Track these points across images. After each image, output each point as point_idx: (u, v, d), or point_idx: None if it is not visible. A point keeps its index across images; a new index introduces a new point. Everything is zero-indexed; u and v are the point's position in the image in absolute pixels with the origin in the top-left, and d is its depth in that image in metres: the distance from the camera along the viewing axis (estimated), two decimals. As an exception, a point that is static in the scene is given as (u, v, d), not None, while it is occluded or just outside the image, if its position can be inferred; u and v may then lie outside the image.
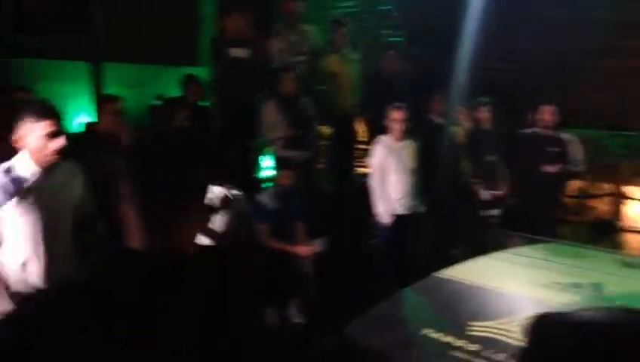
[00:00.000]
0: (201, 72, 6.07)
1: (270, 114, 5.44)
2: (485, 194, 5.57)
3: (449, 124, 5.48)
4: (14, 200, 2.56)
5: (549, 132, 5.64)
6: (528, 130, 5.78)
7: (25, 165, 2.59)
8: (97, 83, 5.79)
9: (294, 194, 4.70)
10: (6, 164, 2.59)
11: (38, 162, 2.59)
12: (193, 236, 4.49)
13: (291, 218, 4.69)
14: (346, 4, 8.48)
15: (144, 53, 6.34)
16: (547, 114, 5.61)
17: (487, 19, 6.65)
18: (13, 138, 2.61)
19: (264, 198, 4.63)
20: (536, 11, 6.89)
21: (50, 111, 2.63)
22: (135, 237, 4.13)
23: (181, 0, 6.91)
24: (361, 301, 2.68)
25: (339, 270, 4.87)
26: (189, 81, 5.54)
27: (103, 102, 4.71)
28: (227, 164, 4.91)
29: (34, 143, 2.58)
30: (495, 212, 5.63)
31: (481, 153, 5.60)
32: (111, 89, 5.82)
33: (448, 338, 2.19)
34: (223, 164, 4.85)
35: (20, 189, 2.55)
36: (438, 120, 5.42)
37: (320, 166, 6.46)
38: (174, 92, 5.68)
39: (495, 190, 5.62)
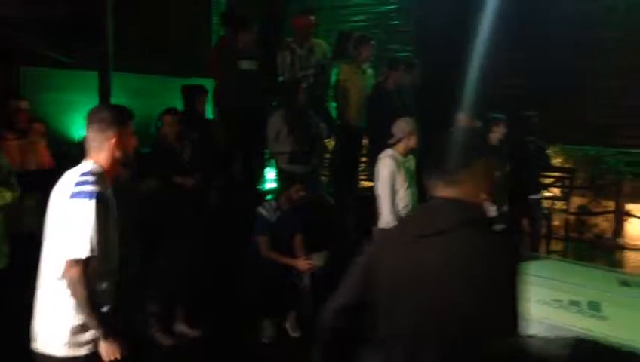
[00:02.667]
0: (208, 83, 6.14)
1: (277, 127, 5.48)
2: (491, 209, 5.60)
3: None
4: None
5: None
6: None
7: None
8: (105, 93, 5.86)
9: (295, 208, 4.75)
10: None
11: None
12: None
13: (291, 231, 4.73)
14: (355, 18, 8.58)
15: (152, 64, 6.42)
16: None
17: (498, 35, 6.76)
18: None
19: (265, 211, 4.68)
20: (546, 29, 6.95)
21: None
22: None
23: (190, 11, 6.98)
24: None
25: (338, 283, 4.89)
26: (195, 92, 5.57)
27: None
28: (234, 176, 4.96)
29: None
30: (499, 228, 5.66)
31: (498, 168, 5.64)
32: (118, 99, 5.89)
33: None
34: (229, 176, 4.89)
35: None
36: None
37: (324, 178, 6.51)
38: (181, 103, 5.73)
39: (500, 206, 5.65)
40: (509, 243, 1.73)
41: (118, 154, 2.46)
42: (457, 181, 1.70)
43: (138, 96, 6.16)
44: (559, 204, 7.20)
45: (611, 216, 7.27)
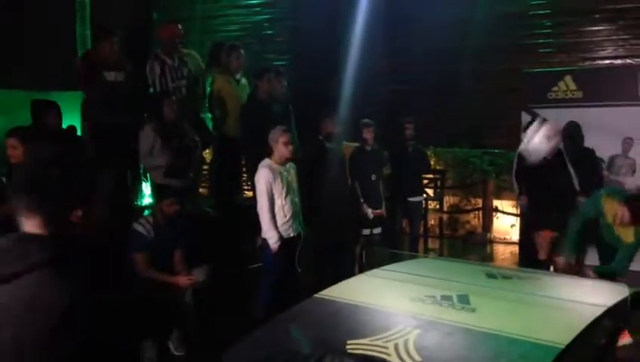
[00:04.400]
0: (80, 97, 5.80)
1: (149, 141, 5.27)
2: (369, 212, 5.75)
3: (337, 144, 5.66)
4: None
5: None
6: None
7: None
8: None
9: (173, 223, 4.59)
10: None
11: None
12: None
13: (170, 247, 4.56)
14: (228, 27, 8.50)
15: (17, 78, 5.96)
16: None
17: (372, 44, 6.99)
18: None
19: (141, 226, 4.47)
20: (420, 36, 7.28)
21: None
22: None
23: (56, 20, 6.57)
24: (243, 328, 2.65)
25: (220, 298, 4.80)
26: (44, 107, 5.19)
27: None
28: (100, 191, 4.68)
29: None
30: (377, 230, 5.83)
31: (365, 173, 5.80)
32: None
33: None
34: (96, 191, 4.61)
35: None
36: (326, 141, 5.57)
37: (203, 190, 6.37)
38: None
39: (377, 209, 5.82)
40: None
41: None
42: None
43: (4, 112, 5.69)
44: (433, 204, 7.55)
45: (480, 212, 7.75)
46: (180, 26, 5.91)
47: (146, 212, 5.28)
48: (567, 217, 4.61)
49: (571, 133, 5.54)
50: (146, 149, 5.26)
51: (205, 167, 6.38)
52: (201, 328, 4.49)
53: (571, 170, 5.22)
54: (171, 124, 5.35)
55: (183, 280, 4.45)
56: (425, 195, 7.02)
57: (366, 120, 5.90)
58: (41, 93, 5.93)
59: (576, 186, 5.21)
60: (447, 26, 7.18)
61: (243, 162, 6.35)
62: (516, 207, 6.92)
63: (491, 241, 7.57)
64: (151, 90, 5.78)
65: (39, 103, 5.23)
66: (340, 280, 3.23)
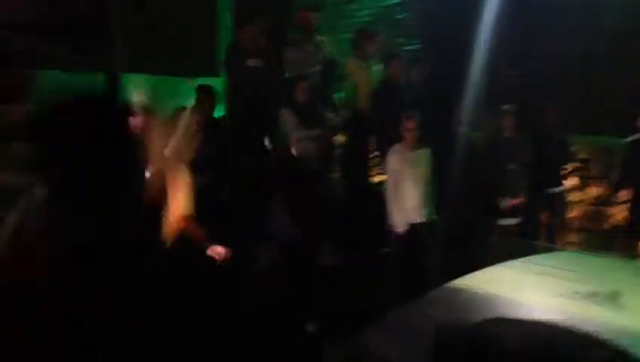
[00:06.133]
0: (220, 83, 6.11)
1: (285, 122, 5.47)
2: (504, 202, 5.55)
3: (470, 131, 5.50)
4: None
5: None
6: None
7: None
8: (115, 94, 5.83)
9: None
10: None
11: None
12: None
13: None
14: (360, 13, 8.50)
15: (162, 64, 6.40)
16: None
17: (503, 27, 6.68)
18: None
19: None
20: (551, 17, 6.87)
21: None
22: None
23: (200, 10, 6.95)
24: (374, 310, 2.67)
25: (352, 279, 4.86)
26: (200, 91, 5.55)
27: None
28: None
29: None
30: (514, 221, 5.61)
31: (503, 161, 5.59)
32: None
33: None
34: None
35: None
36: (459, 128, 5.44)
37: (334, 174, 6.47)
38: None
39: (515, 198, 5.60)
40: None
41: None
42: None
43: (148, 97, 6.13)
44: (575, 195, 7.09)
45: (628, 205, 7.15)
46: (317, 13, 6.02)
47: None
48: None
49: None
50: (284, 132, 5.46)
51: (338, 149, 6.48)
52: (334, 307, 4.59)
53: None
54: (305, 107, 5.49)
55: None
56: (566, 186, 6.62)
57: (505, 106, 5.67)
58: (185, 79, 6.35)
59: None
60: (590, 2, 6.66)
61: (374, 146, 6.38)
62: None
63: (640, 237, 6.97)
64: (287, 75, 5.95)
65: (202, 88, 5.55)
66: (472, 271, 3.15)
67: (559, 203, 6.16)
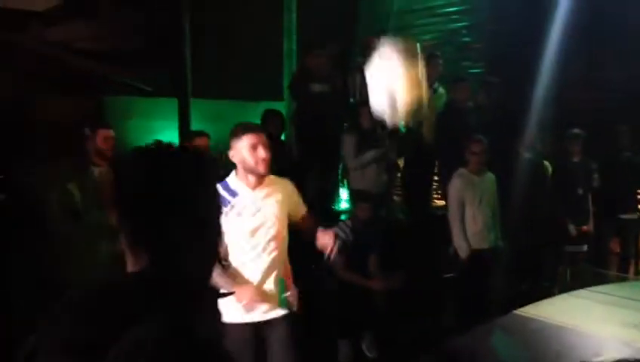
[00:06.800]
0: (284, 107, 6.26)
1: (349, 147, 5.53)
2: (572, 229, 5.42)
3: (537, 157, 5.42)
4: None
5: None
6: None
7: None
8: (185, 119, 6.08)
9: (369, 227, 4.73)
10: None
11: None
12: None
13: (366, 251, 4.71)
14: (425, 36, 8.53)
15: (229, 89, 6.61)
16: None
17: (569, 50, 6.56)
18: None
19: (340, 231, 4.68)
20: (627, 36, 6.69)
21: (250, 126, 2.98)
22: None
23: (266, 35, 7.16)
24: (435, 336, 2.67)
25: (413, 304, 4.84)
26: (269, 115, 5.69)
27: (192, 137, 4.94)
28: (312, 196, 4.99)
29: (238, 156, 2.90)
30: (582, 248, 5.47)
31: (571, 187, 5.47)
32: (196, 125, 6.10)
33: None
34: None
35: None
36: (526, 153, 5.38)
37: (396, 197, 6.47)
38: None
39: (583, 225, 5.46)
40: None
41: None
42: None
43: (215, 120, 6.36)
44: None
45: None
46: (381, 38, 6.09)
47: (343, 216, 5.52)
48: None
49: None
50: (347, 156, 5.53)
51: (399, 174, 6.48)
52: (392, 332, 4.58)
53: None
54: (368, 132, 5.54)
55: (376, 283, 4.58)
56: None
57: (575, 130, 5.56)
58: (250, 103, 6.53)
59: None
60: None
61: (436, 170, 6.35)
62: None
63: None
64: (352, 100, 6.04)
65: (268, 112, 5.69)
66: (538, 299, 3.10)
67: (631, 230, 5.95)
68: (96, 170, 4.25)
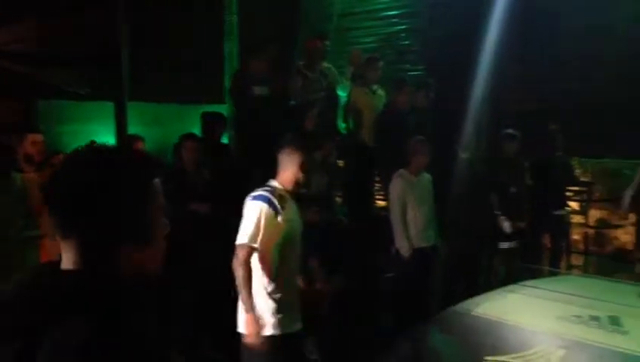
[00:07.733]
0: (226, 110, 6.19)
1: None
2: (507, 226, 5.58)
3: (473, 156, 5.57)
4: None
5: None
6: None
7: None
8: (121, 123, 5.93)
9: (310, 230, 4.73)
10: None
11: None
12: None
13: (307, 254, 4.70)
14: (365, 39, 8.63)
15: (168, 92, 6.50)
16: None
17: (508, 52, 6.78)
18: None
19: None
20: (562, 39, 6.96)
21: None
22: None
23: (205, 38, 7.08)
24: (378, 337, 2.70)
25: (355, 305, 4.87)
26: (209, 118, 5.63)
27: (128, 142, 4.83)
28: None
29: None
30: (515, 244, 5.63)
31: (505, 184, 5.64)
32: (134, 128, 5.96)
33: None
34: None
35: None
36: (462, 153, 5.51)
37: (337, 199, 6.51)
38: (198, 130, 5.80)
39: (517, 221, 5.63)
40: None
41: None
42: None
43: (154, 124, 6.23)
44: (578, 218, 7.11)
45: (631, 228, 7.15)
46: (323, 41, 6.14)
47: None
48: None
49: None
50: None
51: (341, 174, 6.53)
52: (337, 335, 4.59)
53: None
54: (309, 134, 5.54)
55: (318, 286, 4.58)
56: (569, 209, 6.65)
57: (509, 130, 5.75)
58: (191, 107, 6.43)
59: None
60: (591, 28, 6.75)
61: (376, 172, 6.43)
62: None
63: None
64: (292, 102, 6.05)
65: (211, 116, 5.64)
66: (475, 294, 3.18)
67: (562, 226, 6.19)
68: (18, 177, 4.10)
